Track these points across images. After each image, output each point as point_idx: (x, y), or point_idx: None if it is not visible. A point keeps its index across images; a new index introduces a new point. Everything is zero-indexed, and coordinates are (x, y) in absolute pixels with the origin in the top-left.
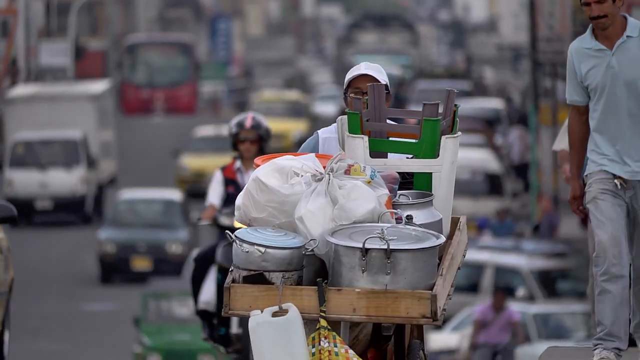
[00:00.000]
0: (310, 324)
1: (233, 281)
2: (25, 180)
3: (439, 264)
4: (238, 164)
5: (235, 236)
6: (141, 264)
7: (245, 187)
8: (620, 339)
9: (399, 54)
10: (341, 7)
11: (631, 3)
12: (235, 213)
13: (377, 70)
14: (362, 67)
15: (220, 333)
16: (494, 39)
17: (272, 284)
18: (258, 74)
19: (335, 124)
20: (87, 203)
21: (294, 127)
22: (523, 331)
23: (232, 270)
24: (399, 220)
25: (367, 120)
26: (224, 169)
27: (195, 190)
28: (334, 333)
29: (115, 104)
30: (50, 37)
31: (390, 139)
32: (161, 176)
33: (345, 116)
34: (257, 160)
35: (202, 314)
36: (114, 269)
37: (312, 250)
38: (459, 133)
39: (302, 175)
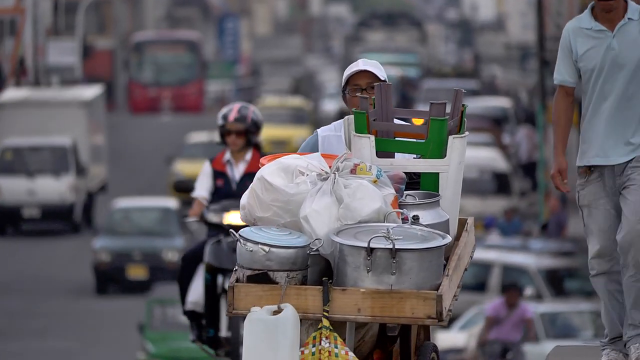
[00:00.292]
0: (315, 324)
1: (237, 280)
2: (13, 188)
3: (445, 265)
4: (228, 155)
5: (240, 235)
6: (137, 272)
7: (250, 186)
8: (621, 338)
9: (406, 52)
10: (349, 6)
11: None
12: (240, 212)
13: (376, 66)
14: (361, 64)
15: (209, 335)
16: (502, 37)
17: (277, 283)
18: (265, 72)
19: (335, 123)
20: (76, 211)
21: (297, 134)
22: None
23: (236, 270)
24: (405, 220)
25: (374, 120)
26: (212, 161)
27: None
28: (336, 334)
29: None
30: (57, 36)
31: (397, 139)
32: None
33: (351, 116)
34: (262, 159)
35: (190, 315)
36: (110, 278)
37: (316, 249)
38: (467, 133)
39: (307, 175)
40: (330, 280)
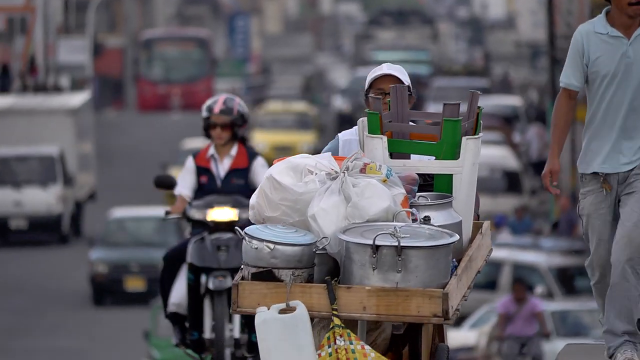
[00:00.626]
0: (319, 322)
1: (242, 278)
2: (0, 199)
3: (457, 266)
4: (212, 150)
5: (245, 233)
6: (135, 284)
7: (259, 186)
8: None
9: (417, 49)
10: (359, 5)
11: None
12: (250, 212)
13: (400, 71)
14: (385, 68)
15: (192, 338)
16: (512, 36)
17: (282, 281)
18: (276, 71)
19: (355, 127)
20: (64, 222)
21: (302, 140)
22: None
23: (241, 268)
24: (415, 220)
25: (390, 122)
26: (195, 156)
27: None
28: (348, 330)
29: (133, 99)
30: (68, 34)
31: (412, 140)
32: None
33: (366, 118)
34: (275, 162)
35: (173, 317)
36: (107, 290)
37: (323, 248)
38: (481, 134)
39: (316, 174)
40: (336, 279)
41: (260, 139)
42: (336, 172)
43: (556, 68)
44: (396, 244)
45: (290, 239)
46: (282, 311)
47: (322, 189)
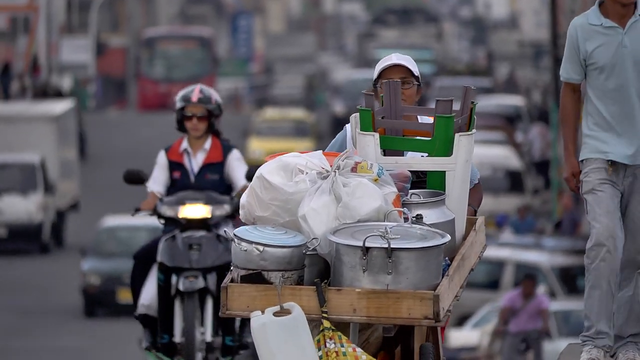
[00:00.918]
0: (315, 325)
1: (231, 281)
2: None
3: (449, 265)
4: (185, 144)
5: (234, 234)
6: (128, 295)
7: (250, 185)
8: (609, 335)
9: (421, 48)
10: (362, 4)
11: None
12: (240, 212)
13: (409, 61)
14: (394, 58)
15: (163, 341)
16: (515, 35)
17: (271, 283)
18: (279, 70)
19: None
20: (45, 231)
21: (299, 147)
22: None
23: (231, 270)
24: (407, 219)
25: (382, 118)
26: (168, 151)
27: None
28: (339, 333)
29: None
30: (71, 33)
31: (404, 136)
32: None
33: (358, 114)
34: (267, 158)
35: (143, 320)
36: (99, 302)
37: (313, 249)
38: (474, 130)
39: (306, 173)
40: (326, 281)
41: (257, 146)
42: (327, 171)
43: (559, 67)
44: (386, 245)
45: (279, 240)
46: (276, 314)
47: (312, 189)
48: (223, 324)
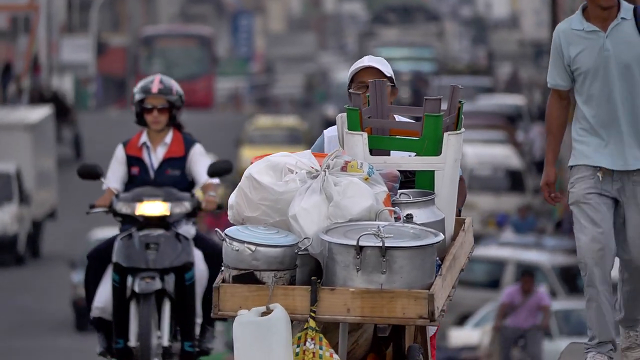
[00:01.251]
0: (302, 325)
1: (223, 281)
2: None
3: (440, 265)
4: (144, 137)
5: (225, 234)
6: None
7: (238, 185)
8: (612, 341)
9: (422, 46)
10: (363, 4)
11: None
12: (228, 212)
13: (381, 62)
14: (366, 60)
15: (117, 346)
16: (516, 35)
17: (264, 283)
18: (279, 70)
19: None
20: (20, 242)
21: None
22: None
23: (222, 270)
24: (398, 219)
25: (369, 117)
26: (126, 145)
27: None
28: (321, 335)
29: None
30: (71, 33)
31: (392, 136)
32: None
33: (345, 113)
34: (254, 159)
35: (97, 323)
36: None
37: (305, 249)
38: (463, 129)
39: (296, 172)
40: (319, 280)
41: (249, 155)
42: (317, 170)
43: None
44: (380, 244)
45: (271, 240)
46: (263, 314)
47: (302, 188)
48: (182, 329)
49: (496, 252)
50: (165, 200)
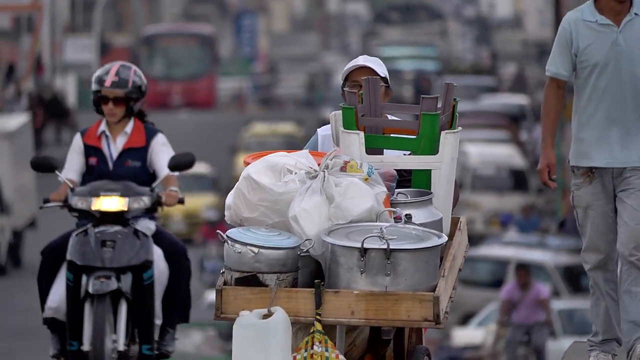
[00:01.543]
0: (304, 327)
1: (225, 283)
2: None
3: (439, 265)
4: (103, 126)
5: (227, 236)
6: None
7: (235, 186)
8: (617, 339)
9: (425, 45)
10: (366, 4)
11: None
12: (226, 213)
13: (376, 62)
14: (360, 60)
15: (72, 349)
16: (519, 35)
17: (266, 286)
18: (283, 70)
19: None
20: (0, 253)
21: None
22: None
23: (223, 272)
24: (397, 219)
25: (363, 116)
26: (84, 134)
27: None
28: (327, 337)
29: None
30: (75, 33)
31: (387, 135)
32: None
33: (339, 112)
34: (246, 158)
35: (50, 324)
36: None
37: (307, 251)
38: (460, 128)
39: (295, 173)
40: (322, 283)
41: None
42: (315, 170)
43: None
44: (385, 246)
45: (274, 242)
46: (265, 316)
47: (302, 189)
48: (140, 331)
49: (499, 251)
50: (123, 194)
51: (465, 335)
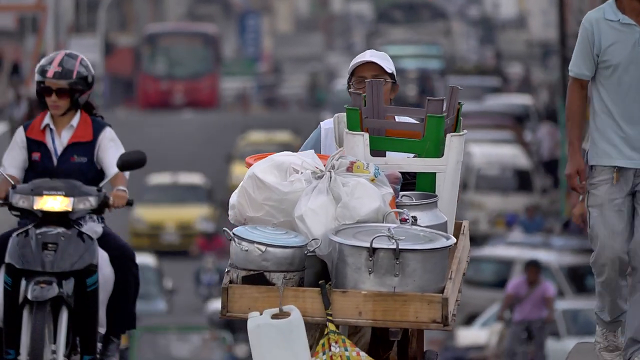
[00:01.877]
0: (312, 327)
1: (231, 282)
2: None
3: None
4: (47, 119)
5: (234, 234)
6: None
7: (240, 184)
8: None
9: (429, 43)
10: (370, 4)
11: None
12: (230, 212)
13: (383, 58)
14: (368, 55)
15: (9, 357)
16: (524, 35)
17: (273, 284)
18: (287, 70)
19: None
20: None
21: None
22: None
23: (228, 271)
24: (402, 221)
25: (366, 117)
26: (27, 127)
27: (162, 246)
28: (343, 336)
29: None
30: (79, 33)
31: (392, 137)
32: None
33: (342, 113)
34: (248, 159)
35: None
36: None
37: (313, 250)
38: (465, 131)
39: (301, 172)
40: (330, 283)
41: (240, 171)
42: (321, 170)
43: (567, 67)
44: (394, 246)
45: (281, 240)
46: (274, 316)
47: (308, 189)
48: (82, 340)
49: (504, 251)
50: (67, 194)
51: (469, 336)
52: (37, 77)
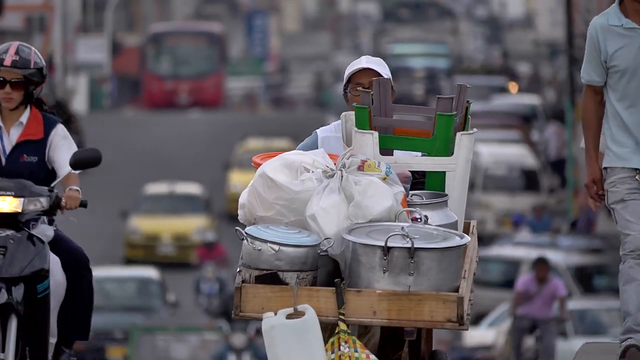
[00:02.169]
0: (326, 327)
1: (243, 281)
2: None
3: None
4: None
5: (246, 233)
6: (118, 353)
7: (250, 184)
8: None
9: (436, 42)
10: (377, 3)
11: None
12: (239, 212)
13: (379, 64)
14: (364, 61)
15: None
16: (531, 35)
17: (286, 284)
18: (294, 69)
19: (334, 123)
20: None
21: None
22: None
23: (239, 271)
24: (414, 220)
25: (374, 116)
26: None
27: (157, 257)
28: (354, 337)
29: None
30: (86, 33)
31: (401, 135)
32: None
33: (350, 112)
34: (255, 158)
35: None
36: None
37: (325, 250)
38: (475, 130)
39: (312, 171)
40: (344, 282)
41: (238, 179)
42: (332, 169)
43: (574, 67)
44: (409, 245)
45: (295, 240)
46: (289, 316)
47: (320, 188)
48: (32, 350)
49: (511, 251)
50: (17, 194)
51: (476, 336)
52: None
